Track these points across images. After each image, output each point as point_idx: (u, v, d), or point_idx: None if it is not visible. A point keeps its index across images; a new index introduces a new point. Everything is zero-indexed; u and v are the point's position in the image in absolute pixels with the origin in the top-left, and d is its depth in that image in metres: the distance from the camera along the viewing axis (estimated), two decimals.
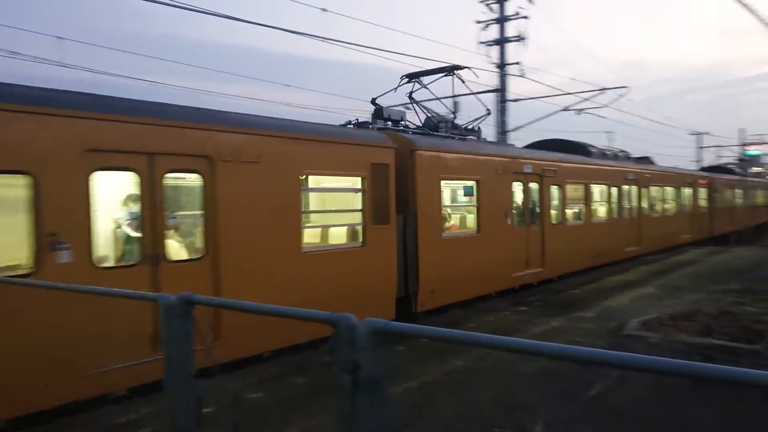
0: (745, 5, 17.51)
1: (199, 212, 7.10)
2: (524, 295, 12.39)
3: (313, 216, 9.43)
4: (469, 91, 15.69)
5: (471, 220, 11.80)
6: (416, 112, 12.83)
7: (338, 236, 9.20)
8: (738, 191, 31.03)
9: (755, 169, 52.31)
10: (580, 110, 23.89)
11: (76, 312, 5.54)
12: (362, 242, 9.12)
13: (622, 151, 20.62)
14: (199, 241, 7.12)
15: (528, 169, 13.32)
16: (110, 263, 6.54)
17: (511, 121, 23.24)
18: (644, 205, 19.54)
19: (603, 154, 18.25)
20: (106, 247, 6.61)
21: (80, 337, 5.68)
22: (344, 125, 10.78)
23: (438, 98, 13.72)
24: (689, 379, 5.49)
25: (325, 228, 9.28)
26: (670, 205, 22.27)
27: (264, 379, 6.92)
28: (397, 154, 9.71)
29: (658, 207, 21.16)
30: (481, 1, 22.62)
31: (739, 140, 35.55)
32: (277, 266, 7.75)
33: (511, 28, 22.54)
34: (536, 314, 10.49)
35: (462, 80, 13.67)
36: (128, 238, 6.71)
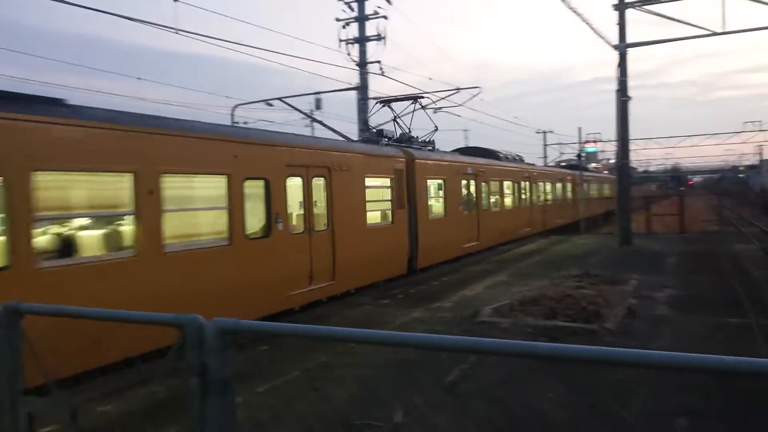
0: (579, 15, 19.17)
1: (324, 201, 11.09)
2: (388, 289, 12.68)
3: (368, 204, 12.77)
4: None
5: (440, 207, 16.13)
6: (395, 130, 16.86)
7: (380, 217, 13.42)
8: (591, 185, 37.04)
9: (593, 165, 57.54)
10: (438, 109, 24.90)
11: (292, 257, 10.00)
12: (392, 221, 13.60)
13: (518, 154, 26.23)
14: (325, 219, 11.11)
15: (470, 171, 17.96)
16: (296, 232, 10.36)
17: (373, 119, 23.67)
18: (534, 196, 24.96)
19: (507, 158, 23.50)
20: (292, 222, 10.39)
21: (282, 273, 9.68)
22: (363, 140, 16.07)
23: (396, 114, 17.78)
24: (535, 359, 5.90)
25: (373, 211, 13.03)
26: (551, 196, 28.00)
27: (120, 389, 6.48)
28: (406, 162, 14.26)
29: (543, 198, 26.59)
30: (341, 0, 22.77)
31: (578, 138, 38.93)
32: (356, 235, 11.88)
33: (371, 28, 22.95)
34: (398, 306, 10.78)
35: (423, 107, 18.28)
36: (298, 217, 10.68)
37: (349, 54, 22.79)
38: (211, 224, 8.93)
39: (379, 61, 22.94)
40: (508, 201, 22.01)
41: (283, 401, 5.89)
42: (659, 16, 19.66)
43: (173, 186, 8.02)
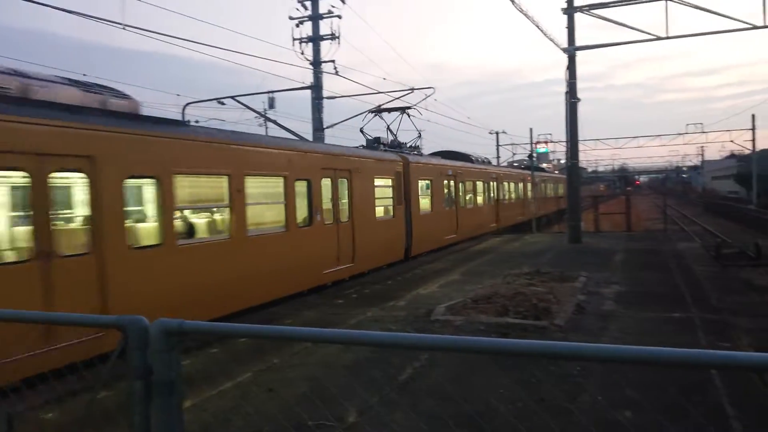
0: (529, 18, 19.53)
1: (346, 198, 13.60)
2: (342, 289, 12.66)
3: (376, 200, 15.29)
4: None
5: (428, 204, 18.66)
6: (387, 135, 19.33)
7: (384, 212, 15.92)
8: (546, 185, 39.85)
9: (544, 165, 58.72)
10: (391, 109, 24.98)
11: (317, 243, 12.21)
12: (393, 215, 16.16)
13: (486, 157, 30.31)
14: (347, 212, 13.62)
15: (450, 172, 20.68)
16: (327, 222, 12.75)
17: (326, 118, 23.61)
18: (500, 195, 27.91)
19: (477, 160, 26.51)
20: (325, 215, 12.62)
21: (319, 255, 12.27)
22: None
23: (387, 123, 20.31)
24: (487, 355, 5.98)
25: (380, 207, 15.48)
26: (514, 195, 31.21)
27: (62, 396, 6.25)
28: (403, 165, 16.88)
29: (507, 196, 29.63)
30: None
31: (529, 139, 39.63)
32: (369, 226, 14.47)
33: (325, 27, 22.88)
34: (352, 306, 10.76)
35: (408, 115, 20.33)
36: (327, 211, 12.86)
37: (302, 53, 22.69)
38: (275, 215, 11.30)
39: (333, 61, 22.92)
40: (479, 199, 24.80)
41: (234, 404, 5.81)
42: (607, 21, 20.22)
43: (251, 185, 10.34)
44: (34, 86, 7.71)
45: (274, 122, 19.25)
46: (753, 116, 50.80)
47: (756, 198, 50.35)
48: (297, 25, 22.77)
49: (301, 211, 11.89)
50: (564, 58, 20.77)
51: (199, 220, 10.06)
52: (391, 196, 16.08)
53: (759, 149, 55.25)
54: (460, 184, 22.02)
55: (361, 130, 18.74)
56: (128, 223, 8.12)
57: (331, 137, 24.70)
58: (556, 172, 55.59)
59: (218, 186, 9.79)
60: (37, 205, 6.82)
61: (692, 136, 59.53)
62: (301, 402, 5.58)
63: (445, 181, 20.39)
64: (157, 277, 8.34)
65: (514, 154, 56.71)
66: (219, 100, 23.79)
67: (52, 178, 6.98)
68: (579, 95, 21.05)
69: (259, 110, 24.99)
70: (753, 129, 50.74)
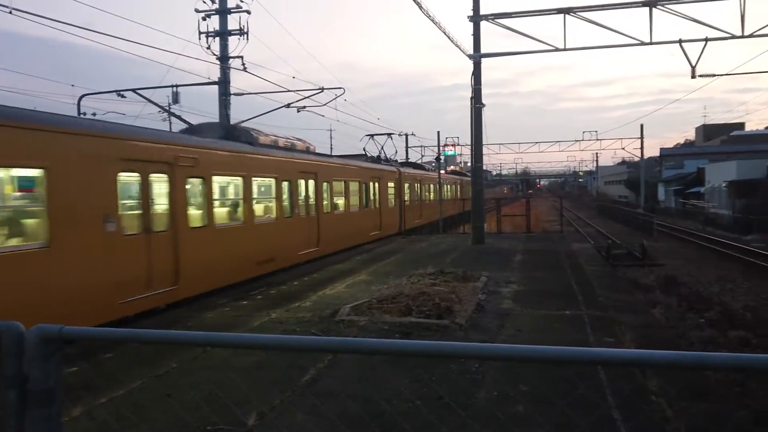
0: (436, 24, 19.99)
1: (377, 194, 23.58)
2: (247, 290, 12.42)
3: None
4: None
5: (408, 199, 28.15)
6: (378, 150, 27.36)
7: (390, 203, 24.76)
8: (453, 186, 42.90)
9: (451, 168, 60.19)
10: (302, 108, 24.81)
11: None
12: (395, 205, 25.27)
13: (432, 165, 36.97)
14: (377, 203, 23.58)
15: (418, 177, 31.31)
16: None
17: (235, 115, 23.10)
18: (437, 195, 34.04)
19: (423, 167, 36.07)
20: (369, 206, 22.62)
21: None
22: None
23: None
24: (389, 355, 6.06)
25: (387, 200, 24.05)
26: (449, 195, 38.70)
27: None
28: (398, 173, 26.00)
29: (446, 195, 36.48)
30: None
31: (437, 141, 40.55)
32: (386, 212, 24.46)
33: (233, 22, 22.35)
34: (256, 308, 10.58)
35: (389, 136, 30.71)
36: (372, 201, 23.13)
37: (209, 47, 22.03)
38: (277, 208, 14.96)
39: (241, 56, 22.40)
40: (430, 197, 33.34)
41: (129, 410, 5.56)
42: (510, 30, 21.05)
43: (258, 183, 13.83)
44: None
45: (179, 117, 18.62)
46: (642, 126, 54.40)
47: (643, 202, 54.09)
48: (203, 19, 22.08)
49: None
50: (471, 64, 21.43)
51: (224, 210, 13.03)
52: (393, 194, 25.20)
53: (647, 157, 59.38)
54: (424, 186, 28.10)
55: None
56: (190, 210, 11.37)
57: None
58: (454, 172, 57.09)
59: (238, 185, 13.19)
60: (144, 196, 10.11)
61: (588, 143, 63.25)
62: (200, 407, 5.43)
63: (416, 184, 26.14)
64: (205, 247, 11.57)
65: (422, 156, 57.81)
66: (119, 93, 22.70)
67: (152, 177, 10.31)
68: (485, 101, 21.80)
69: (162, 104, 24.07)
70: (642, 138, 54.38)
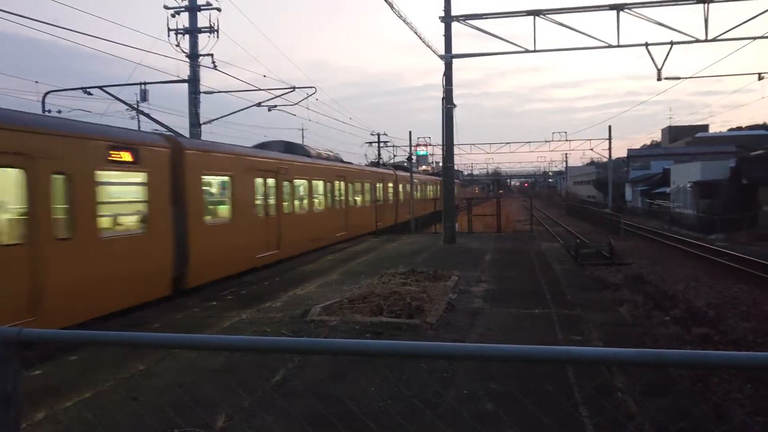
0: (408, 24, 20.03)
1: (392, 194, 32.65)
2: (217, 290, 12.30)
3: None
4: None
5: (400, 198, 33.09)
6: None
7: (390, 199, 31.72)
8: (429, 186, 44.42)
9: (423, 167, 60.37)
10: (273, 107, 24.66)
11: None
12: (392, 201, 32.07)
13: (405, 164, 38.21)
14: (392, 199, 32.53)
15: (397, 179, 33.33)
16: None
17: (205, 113, 22.83)
18: (411, 194, 35.63)
19: (398, 167, 37.51)
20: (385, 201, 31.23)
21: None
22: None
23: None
24: (358, 356, 6.05)
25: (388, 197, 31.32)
26: (419, 195, 39.48)
27: None
28: (395, 175, 32.97)
29: (419, 195, 38.61)
30: None
31: (409, 141, 40.65)
32: (386, 206, 30.61)
33: (203, 19, 22.08)
34: (226, 308, 10.48)
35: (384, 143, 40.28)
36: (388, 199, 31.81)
37: (178, 45, 21.73)
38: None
39: (211, 54, 22.14)
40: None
41: (94, 414, 5.46)
42: (481, 31, 21.21)
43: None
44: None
45: (147, 116, 18.32)
46: (609, 127, 55.39)
47: (611, 202, 55.01)
48: (173, 15, 21.76)
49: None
50: (442, 65, 21.53)
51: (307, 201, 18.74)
52: (392, 192, 30.98)
53: (615, 158, 60.43)
54: (400, 185, 30.82)
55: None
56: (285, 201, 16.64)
57: (208, 134, 23.86)
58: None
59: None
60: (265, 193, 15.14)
61: (557, 144, 63.99)
62: (167, 409, 5.36)
63: (400, 184, 29.38)
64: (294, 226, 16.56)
65: (394, 156, 57.86)
66: (85, 90, 22.26)
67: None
68: (456, 101, 21.92)
69: (130, 102, 23.68)
70: (609, 139, 55.33)
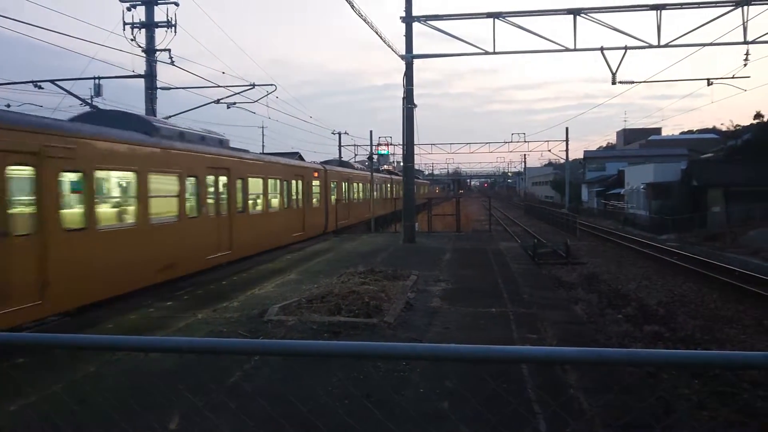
0: (368, 23, 20.03)
1: (393, 192, 44.07)
2: (172, 290, 12.07)
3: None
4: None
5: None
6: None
7: (389, 197, 41.98)
8: (385, 185, 43.84)
9: (384, 167, 60.46)
10: (232, 104, 24.33)
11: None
12: (392, 198, 41.21)
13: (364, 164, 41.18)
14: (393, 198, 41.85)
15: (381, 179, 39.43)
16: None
17: (161, 109, 22.38)
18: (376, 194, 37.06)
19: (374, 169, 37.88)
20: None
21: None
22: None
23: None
24: (315, 357, 6.02)
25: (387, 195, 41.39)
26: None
27: None
28: (391, 179, 43.98)
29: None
30: None
31: (370, 140, 40.69)
32: (383, 202, 39.06)
33: (160, 13, 21.64)
34: (182, 308, 10.29)
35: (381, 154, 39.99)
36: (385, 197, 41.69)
37: (134, 39, 21.27)
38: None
39: (168, 50, 21.73)
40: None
41: (42, 418, 5.30)
42: (442, 32, 21.35)
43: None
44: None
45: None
46: (567, 129, 56.95)
47: (568, 203, 56.11)
48: (129, 9, 21.29)
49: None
50: (403, 65, 21.60)
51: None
52: (389, 189, 38.45)
53: (572, 159, 61.67)
54: (382, 185, 33.81)
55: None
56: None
57: None
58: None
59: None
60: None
61: (516, 145, 64.97)
62: (117, 412, 5.23)
63: (387, 185, 35.37)
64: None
65: (356, 155, 57.80)
66: (35, 84, 21.55)
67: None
68: (417, 101, 22.01)
69: (84, 97, 23.04)
70: (567, 140, 56.48)
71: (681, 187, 37.13)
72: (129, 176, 11.55)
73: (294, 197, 21.49)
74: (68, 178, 9.81)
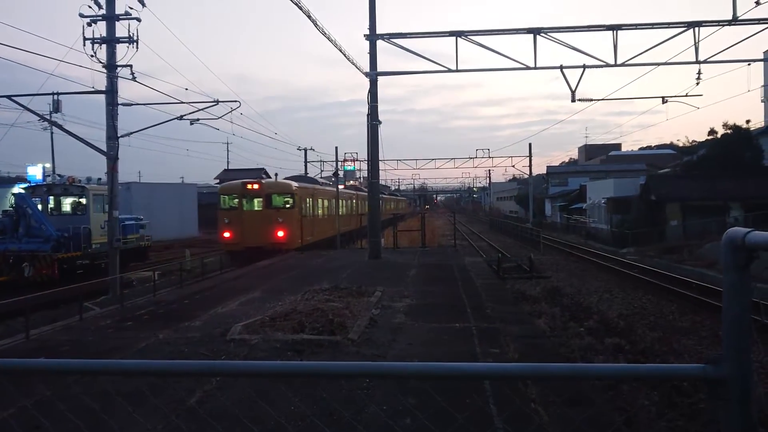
0: (332, 41, 20.15)
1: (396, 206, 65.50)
2: (133, 310, 11.83)
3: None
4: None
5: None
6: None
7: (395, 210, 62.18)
8: (355, 201, 45.30)
9: (350, 182, 60.52)
10: (195, 120, 24.08)
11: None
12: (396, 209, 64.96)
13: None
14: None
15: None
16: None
17: (123, 126, 22.02)
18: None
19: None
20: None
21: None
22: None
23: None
24: (282, 378, 5.96)
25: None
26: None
27: None
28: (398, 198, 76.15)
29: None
30: None
31: (335, 156, 40.76)
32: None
33: (122, 29, 21.36)
34: (142, 328, 10.10)
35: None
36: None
37: (94, 55, 20.91)
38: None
39: (130, 65, 21.42)
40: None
41: None
42: (405, 50, 21.60)
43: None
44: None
45: (60, 127, 17.58)
46: (530, 145, 57.40)
47: (532, 217, 56.93)
48: (89, 24, 20.93)
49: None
50: (368, 81, 21.75)
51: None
52: (393, 203, 50.71)
53: (535, 174, 62.70)
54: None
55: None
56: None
57: (126, 147, 23.00)
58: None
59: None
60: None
61: (481, 160, 65.72)
62: None
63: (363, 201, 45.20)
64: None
65: (322, 171, 57.74)
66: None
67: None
68: (382, 117, 22.21)
69: (42, 113, 22.57)
70: (530, 156, 57.35)
71: (640, 202, 38.04)
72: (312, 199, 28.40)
73: None
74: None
